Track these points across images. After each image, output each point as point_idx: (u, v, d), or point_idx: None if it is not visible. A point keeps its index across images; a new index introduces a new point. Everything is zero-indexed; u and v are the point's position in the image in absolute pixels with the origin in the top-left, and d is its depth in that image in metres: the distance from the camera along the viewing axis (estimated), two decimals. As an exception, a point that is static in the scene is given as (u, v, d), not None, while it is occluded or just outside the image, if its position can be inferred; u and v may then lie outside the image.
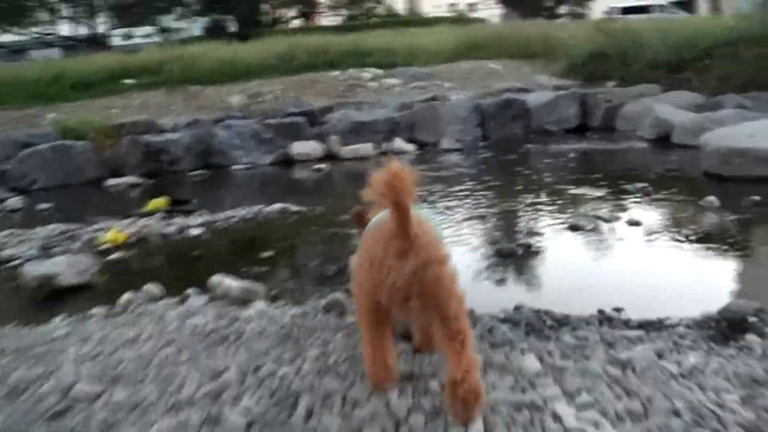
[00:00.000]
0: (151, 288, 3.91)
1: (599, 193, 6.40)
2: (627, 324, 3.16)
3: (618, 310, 3.36)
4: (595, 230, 5.03)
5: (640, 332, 3.01)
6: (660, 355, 2.73)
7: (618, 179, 6.98)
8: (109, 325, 3.43)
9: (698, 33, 13.25)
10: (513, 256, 4.53)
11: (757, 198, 5.48)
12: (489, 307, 3.39)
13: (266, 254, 4.88)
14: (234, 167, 10.14)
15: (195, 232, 5.61)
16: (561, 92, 12.39)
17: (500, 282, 4.16)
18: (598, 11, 36.33)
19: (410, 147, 10.44)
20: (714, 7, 34.80)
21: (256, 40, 19.56)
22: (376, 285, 2.16)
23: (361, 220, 2.84)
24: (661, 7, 34.26)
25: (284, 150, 10.48)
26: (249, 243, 5.51)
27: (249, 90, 13.80)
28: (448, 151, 10.34)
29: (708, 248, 4.49)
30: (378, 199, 2.08)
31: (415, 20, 32.29)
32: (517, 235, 5.00)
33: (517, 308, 3.41)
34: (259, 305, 3.54)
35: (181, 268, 5.03)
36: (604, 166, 8.53)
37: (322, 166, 9.49)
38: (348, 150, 10.23)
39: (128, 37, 30.29)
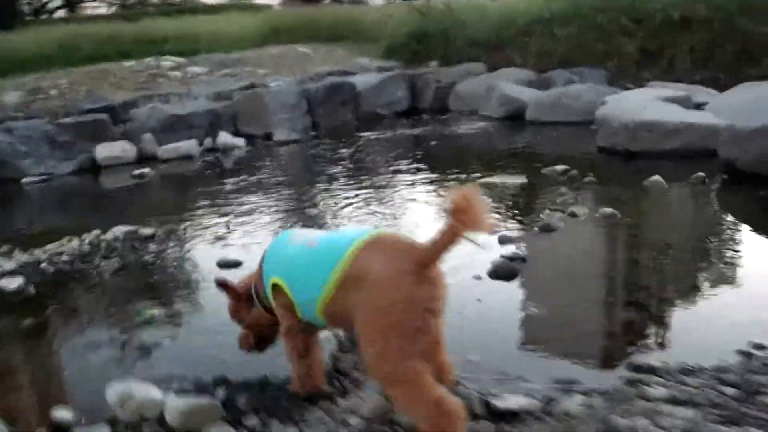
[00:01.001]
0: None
1: (518, 181, 5.67)
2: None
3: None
4: (573, 229, 4.25)
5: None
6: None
7: (517, 163, 6.39)
8: None
9: (514, 12, 13.37)
10: (513, 275, 3.57)
11: (701, 174, 5.11)
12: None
13: (152, 310, 3.38)
14: (26, 180, 8.22)
15: (12, 284, 3.87)
16: (389, 74, 11.76)
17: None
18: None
19: (239, 141, 9.19)
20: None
21: (22, 30, 16.77)
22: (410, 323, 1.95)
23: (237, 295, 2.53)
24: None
25: (88, 155, 8.73)
26: (121, 293, 3.81)
27: (26, 85, 11.59)
28: (285, 143, 9.24)
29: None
30: (455, 223, 1.88)
31: (196, 8, 30.16)
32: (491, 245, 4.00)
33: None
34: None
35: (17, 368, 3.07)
36: (482, 149, 7.97)
37: (145, 170, 7.93)
38: (167, 149, 8.75)
39: None
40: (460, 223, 1.88)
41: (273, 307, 2.38)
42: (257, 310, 2.48)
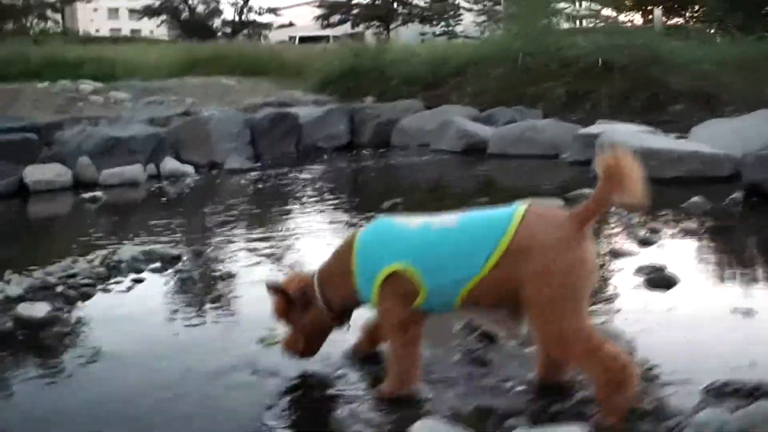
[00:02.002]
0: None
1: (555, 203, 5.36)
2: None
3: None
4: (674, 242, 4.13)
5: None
6: None
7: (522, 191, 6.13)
8: None
9: (445, 54, 13.67)
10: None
11: (737, 195, 5.09)
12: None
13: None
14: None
15: (37, 311, 3.04)
16: (331, 107, 11.47)
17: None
18: (275, 38, 36.48)
19: (188, 168, 8.51)
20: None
21: None
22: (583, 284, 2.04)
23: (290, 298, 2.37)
24: (333, 38, 35.81)
25: (15, 177, 7.76)
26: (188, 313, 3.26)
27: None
28: (239, 171, 8.65)
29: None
30: (606, 186, 1.94)
31: (96, 38, 28.82)
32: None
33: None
34: None
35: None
36: (479, 183, 7.70)
37: (97, 194, 7.12)
38: (110, 174, 7.92)
39: None
40: (611, 187, 1.92)
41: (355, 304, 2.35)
42: (319, 312, 2.35)
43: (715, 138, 6.65)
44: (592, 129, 7.73)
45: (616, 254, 3.88)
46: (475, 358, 2.47)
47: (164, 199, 7.33)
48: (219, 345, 2.80)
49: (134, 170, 8.06)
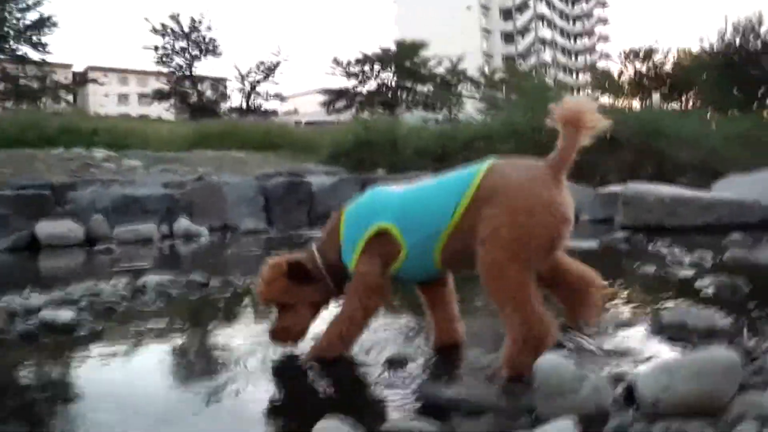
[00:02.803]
0: None
1: (589, 245, 5.22)
2: None
3: None
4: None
5: None
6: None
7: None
8: None
9: (454, 129, 13.91)
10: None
11: None
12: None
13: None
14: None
15: (62, 316, 2.89)
16: (343, 176, 11.47)
17: None
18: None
19: (202, 229, 8.41)
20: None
21: None
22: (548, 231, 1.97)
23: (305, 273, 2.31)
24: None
25: (27, 231, 7.67)
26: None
27: (-59, 162, 10.40)
28: (254, 232, 8.56)
29: None
30: (564, 128, 2.00)
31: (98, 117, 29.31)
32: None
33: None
34: None
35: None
36: None
37: (111, 246, 7.01)
38: (124, 231, 7.83)
39: None
40: (575, 124, 1.97)
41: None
42: (321, 285, 2.33)
43: (737, 190, 6.63)
44: (612, 188, 7.72)
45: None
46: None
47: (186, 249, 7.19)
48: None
49: (148, 228, 7.97)
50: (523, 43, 77.86)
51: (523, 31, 78.93)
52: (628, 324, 2.59)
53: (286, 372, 2.29)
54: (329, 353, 2.25)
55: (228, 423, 1.84)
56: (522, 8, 78.53)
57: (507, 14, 79.13)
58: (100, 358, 2.51)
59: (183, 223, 8.40)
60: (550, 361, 1.76)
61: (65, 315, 2.92)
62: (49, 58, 30.66)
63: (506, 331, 1.98)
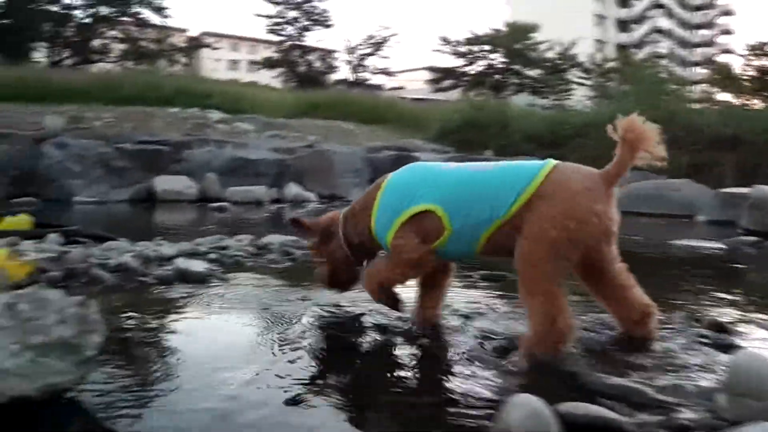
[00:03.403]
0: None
1: (714, 245, 4.83)
2: None
3: None
4: None
5: None
6: None
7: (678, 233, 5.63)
8: None
9: (564, 113, 13.40)
10: None
11: None
12: None
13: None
14: (77, 199, 7.30)
15: (196, 266, 2.92)
16: (450, 155, 11.25)
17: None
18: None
19: (311, 195, 8.41)
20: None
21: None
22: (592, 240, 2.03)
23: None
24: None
25: (145, 185, 7.87)
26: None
27: (67, 113, 10.82)
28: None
29: None
30: (623, 144, 2.05)
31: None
32: None
33: None
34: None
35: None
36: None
37: (224, 204, 7.09)
38: (236, 191, 7.91)
39: None
40: (632, 145, 2.03)
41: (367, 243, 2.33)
42: (339, 245, 2.39)
43: None
44: (736, 189, 7.10)
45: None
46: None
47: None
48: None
49: (259, 190, 8.03)
50: (638, 32, 74.64)
51: (640, 19, 75.61)
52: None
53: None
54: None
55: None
56: (640, -6, 75.24)
57: (623, 0, 76.02)
58: (221, 304, 2.56)
59: (293, 188, 8.42)
60: (747, 357, 1.52)
61: (198, 265, 2.92)
62: (167, 23, 31.79)
63: (529, 321, 2.01)
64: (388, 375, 1.85)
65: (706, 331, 2.20)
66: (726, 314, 2.51)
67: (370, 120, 15.63)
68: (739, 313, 2.58)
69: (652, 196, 8.22)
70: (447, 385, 1.79)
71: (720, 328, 2.24)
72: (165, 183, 7.86)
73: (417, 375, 1.92)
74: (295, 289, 2.87)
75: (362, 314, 2.44)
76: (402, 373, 1.90)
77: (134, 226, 5.93)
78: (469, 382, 1.78)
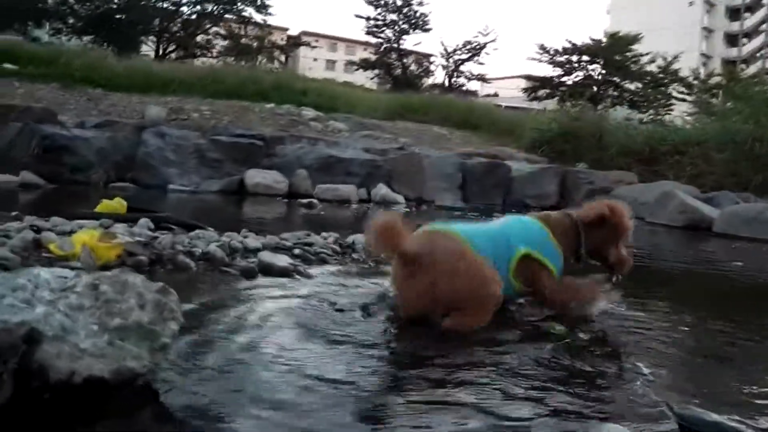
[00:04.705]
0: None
1: None
2: None
3: None
4: None
5: None
6: None
7: None
8: None
9: (664, 129, 12.86)
10: None
11: None
12: None
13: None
14: (171, 187, 7.46)
15: (280, 261, 2.87)
16: (543, 165, 10.94)
17: None
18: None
19: (399, 198, 8.30)
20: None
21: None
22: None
23: None
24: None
25: (237, 177, 7.96)
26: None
27: (168, 104, 11.14)
28: (448, 209, 8.32)
29: None
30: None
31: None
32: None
33: None
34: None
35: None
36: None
37: (313, 201, 7.08)
38: (325, 189, 7.90)
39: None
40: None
41: None
42: None
43: None
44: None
45: None
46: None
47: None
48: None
49: (349, 189, 7.99)
50: (748, 47, 71.02)
51: (751, 34, 71.95)
52: None
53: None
54: None
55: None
56: (753, 8, 71.49)
57: (734, 13, 72.45)
58: (304, 298, 2.51)
59: (382, 189, 8.33)
60: None
61: (283, 259, 2.85)
62: (269, 20, 32.52)
63: None
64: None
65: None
66: None
67: (463, 125, 15.44)
68: None
69: (757, 220, 7.74)
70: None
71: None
72: (256, 176, 7.93)
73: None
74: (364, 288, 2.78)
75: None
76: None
77: (223, 216, 5.96)
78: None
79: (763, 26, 71.16)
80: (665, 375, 1.93)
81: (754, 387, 1.87)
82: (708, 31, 71.58)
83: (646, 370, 1.93)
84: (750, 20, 72.29)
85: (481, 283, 2.20)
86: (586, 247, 2.52)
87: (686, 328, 2.60)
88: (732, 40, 72.57)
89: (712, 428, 1.51)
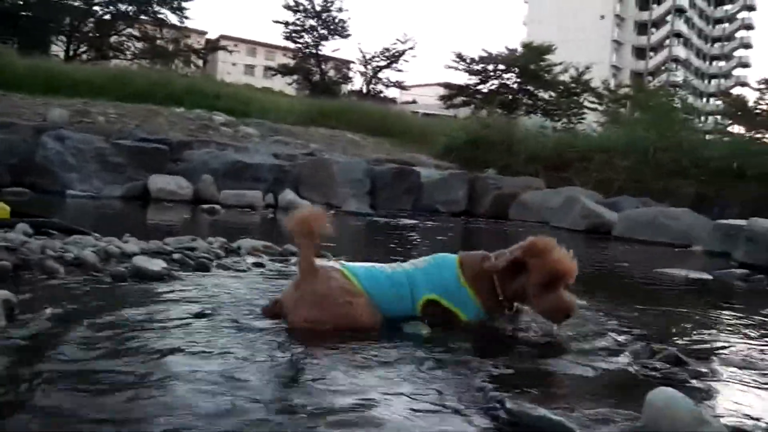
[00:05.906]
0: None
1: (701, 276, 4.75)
2: None
3: None
4: None
5: None
6: None
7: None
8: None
9: (572, 136, 13.40)
10: None
11: None
12: None
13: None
14: (71, 192, 7.28)
15: (153, 265, 2.83)
16: (452, 171, 11.21)
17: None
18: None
19: (306, 203, 8.34)
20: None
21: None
22: None
23: None
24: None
25: (140, 182, 7.85)
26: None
27: (73, 106, 10.83)
28: (355, 215, 8.42)
29: None
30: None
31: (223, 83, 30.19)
32: None
33: None
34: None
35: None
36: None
37: (216, 207, 7.04)
38: (230, 195, 7.89)
39: None
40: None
41: None
42: None
43: None
44: (734, 222, 6.97)
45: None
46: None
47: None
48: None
49: (254, 195, 8.00)
50: (654, 60, 74.43)
51: (657, 48, 75.45)
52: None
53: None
54: None
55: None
56: (659, 23, 75.03)
57: (642, 28, 75.82)
58: (170, 303, 2.43)
59: (288, 195, 8.38)
60: (663, 395, 1.44)
61: (157, 264, 2.85)
62: (187, 23, 31.96)
63: None
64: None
65: (660, 364, 2.11)
66: (691, 346, 2.43)
67: (377, 132, 15.58)
68: (707, 346, 2.50)
69: (652, 224, 8.15)
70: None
71: (677, 361, 2.15)
72: (159, 182, 7.84)
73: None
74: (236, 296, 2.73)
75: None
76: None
77: (118, 222, 5.87)
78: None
79: (667, 41, 74.80)
80: (511, 372, 2.05)
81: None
82: (618, 44, 74.53)
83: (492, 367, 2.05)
84: (655, 35, 75.70)
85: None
86: (505, 293, 2.39)
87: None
88: (640, 53, 75.82)
89: (538, 422, 1.61)
